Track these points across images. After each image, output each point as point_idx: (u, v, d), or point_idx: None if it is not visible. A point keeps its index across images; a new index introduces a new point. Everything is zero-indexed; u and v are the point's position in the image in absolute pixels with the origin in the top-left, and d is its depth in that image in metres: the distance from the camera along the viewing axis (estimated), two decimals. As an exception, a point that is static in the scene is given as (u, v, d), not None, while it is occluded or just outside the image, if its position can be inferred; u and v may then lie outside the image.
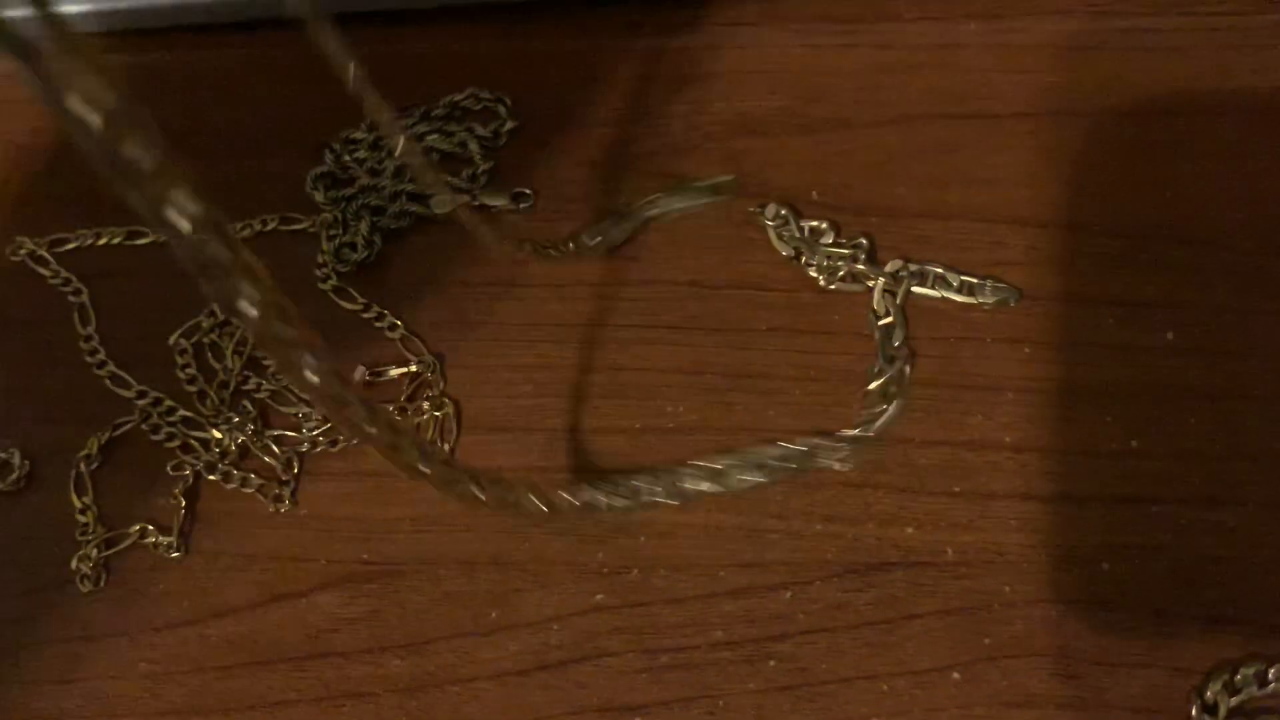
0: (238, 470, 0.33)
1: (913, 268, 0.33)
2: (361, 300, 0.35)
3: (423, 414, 0.33)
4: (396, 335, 0.34)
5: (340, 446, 0.33)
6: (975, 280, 0.32)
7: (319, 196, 0.37)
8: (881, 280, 0.33)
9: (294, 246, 0.37)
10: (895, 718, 0.27)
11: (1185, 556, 0.29)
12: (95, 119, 0.13)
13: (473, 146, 0.37)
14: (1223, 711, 0.26)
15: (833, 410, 0.32)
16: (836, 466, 0.30)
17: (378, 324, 0.35)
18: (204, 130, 0.40)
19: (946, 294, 0.32)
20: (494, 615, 0.30)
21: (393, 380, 0.34)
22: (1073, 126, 0.35)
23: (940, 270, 0.33)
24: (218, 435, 0.33)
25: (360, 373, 0.34)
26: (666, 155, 0.36)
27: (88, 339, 0.36)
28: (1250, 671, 0.27)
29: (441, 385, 0.33)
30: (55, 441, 0.34)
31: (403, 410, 0.33)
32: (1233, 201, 0.33)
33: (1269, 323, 0.31)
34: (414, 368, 0.34)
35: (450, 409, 0.33)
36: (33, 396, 0.35)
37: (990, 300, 0.32)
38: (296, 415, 0.34)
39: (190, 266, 0.15)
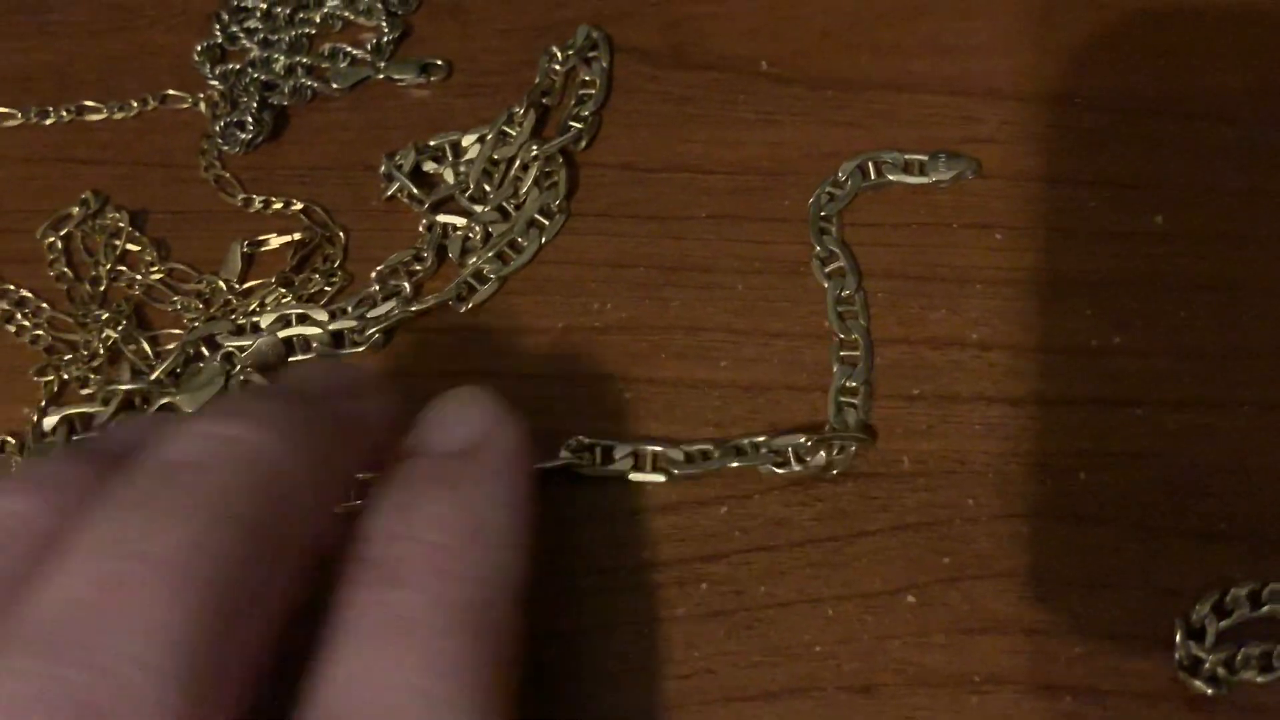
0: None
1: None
2: (244, 193, 0.31)
3: (312, 285, 0.29)
4: (292, 212, 0.31)
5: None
6: (924, 158, 0.29)
7: (206, 72, 0.33)
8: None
9: (177, 129, 0.33)
10: (842, 645, 0.24)
11: (1173, 465, 0.25)
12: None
13: (379, 12, 0.33)
14: (1210, 636, 0.23)
15: (777, 306, 0.28)
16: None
17: (266, 212, 0.31)
18: (80, 0, 0.35)
19: (895, 178, 0.29)
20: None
21: (274, 250, 0.30)
22: (1055, -12, 0.31)
23: (884, 155, 0.29)
24: (86, 337, 0.29)
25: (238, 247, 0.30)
26: (600, 21, 0.32)
27: (-56, 231, 0.32)
28: (1243, 592, 0.24)
29: (340, 259, 0.30)
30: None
31: (288, 282, 0.30)
32: (1231, 71, 0.29)
33: (1270, 205, 0.28)
34: (298, 236, 0.30)
35: (342, 280, 0.30)
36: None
37: (946, 176, 0.28)
38: (174, 311, 0.30)
39: None
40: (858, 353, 0.27)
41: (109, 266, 0.31)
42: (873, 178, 0.29)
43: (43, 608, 0.17)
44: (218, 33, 0.34)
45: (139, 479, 0.18)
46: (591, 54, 0.32)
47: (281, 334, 0.28)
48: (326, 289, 0.29)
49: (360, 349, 0.28)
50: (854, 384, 0.27)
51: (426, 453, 0.22)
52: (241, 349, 0.28)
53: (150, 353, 0.29)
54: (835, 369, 0.27)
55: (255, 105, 0.32)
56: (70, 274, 0.31)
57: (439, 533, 0.20)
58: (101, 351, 0.29)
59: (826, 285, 0.27)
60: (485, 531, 0.20)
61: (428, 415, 0.23)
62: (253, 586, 0.18)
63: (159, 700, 0.16)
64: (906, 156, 0.29)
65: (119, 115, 0.33)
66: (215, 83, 0.33)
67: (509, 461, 0.22)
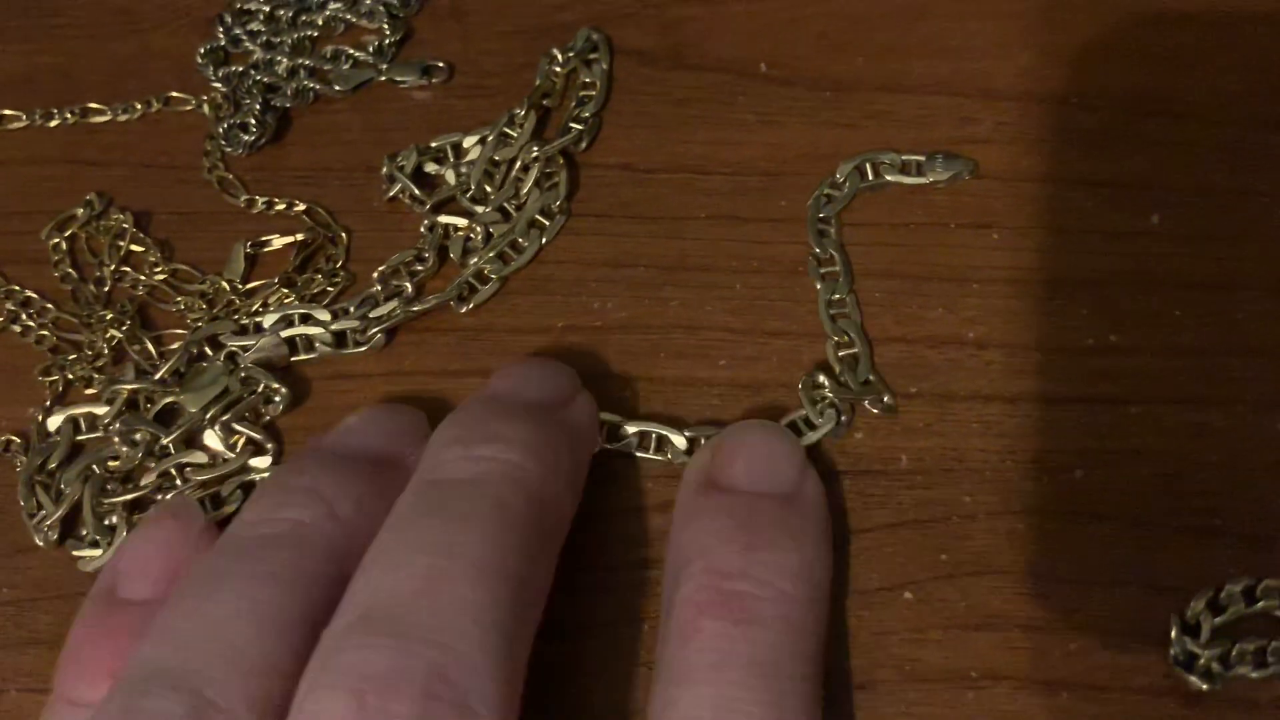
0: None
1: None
2: (247, 194, 0.31)
3: (314, 286, 0.30)
4: (294, 213, 0.31)
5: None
6: (921, 158, 0.29)
7: (210, 74, 0.33)
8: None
9: (181, 131, 0.33)
10: (839, 641, 0.24)
11: (1168, 462, 0.25)
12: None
13: (381, 15, 0.33)
14: (1205, 632, 0.23)
15: (776, 305, 0.28)
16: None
17: (269, 213, 0.31)
18: (86, 3, 0.36)
19: (892, 178, 0.29)
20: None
21: (277, 251, 0.31)
22: (1052, -10, 0.31)
23: (882, 156, 0.29)
24: (90, 338, 0.30)
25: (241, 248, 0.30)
26: (601, 23, 0.32)
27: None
28: (1237, 588, 0.24)
29: (342, 259, 0.30)
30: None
31: (291, 282, 0.30)
32: (1226, 72, 0.30)
33: (1265, 205, 0.28)
34: (300, 236, 0.30)
35: (345, 281, 0.30)
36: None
37: (944, 177, 0.29)
38: (178, 311, 0.30)
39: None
40: (856, 350, 0.27)
41: (113, 267, 0.31)
42: (870, 178, 0.29)
43: (381, 597, 0.20)
44: (221, 35, 0.34)
45: (429, 493, 0.22)
46: (592, 56, 0.32)
47: (284, 334, 0.29)
48: (329, 289, 0.30)
49: (362, 349, 0.29)
50: (868, 376, 0.27)
51: (747, 490, 0.23)
52: (245, 348, 0.29)
53: (154, 353, 0.29)
54: (838, 369, 0.27)
55: (258, 107, 0.32)
56: (75, 275, 0.31)
57: (788, 583, 0.21)
58: (106, 351, 0.30)
59: (819, 287, 0.28)
60: (820, 590, 0.22)
61: (739, 448, 0.24)
62: (534, 579, 0.21)
63: (491, 669, 0.19)
64: (904, 157, 0.29)
65: (123, 117, 0.33)
66: (218, 85, 0.33)
67: (825, 515, 0.24)
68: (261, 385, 0.28)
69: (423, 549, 0.20)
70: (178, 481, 0.27)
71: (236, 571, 0.21)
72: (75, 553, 0.27)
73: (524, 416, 0.23)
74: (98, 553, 0.27)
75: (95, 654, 0.22)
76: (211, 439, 0.28)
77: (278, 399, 0.28)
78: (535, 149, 0.30)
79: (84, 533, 0.27)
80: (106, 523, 0.27)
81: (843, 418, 0.26)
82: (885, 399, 0.26)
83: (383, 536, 0.21)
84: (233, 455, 0.27)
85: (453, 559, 0.20)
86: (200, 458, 0.28)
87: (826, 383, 0.26)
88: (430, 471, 0.22)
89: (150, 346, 0.29)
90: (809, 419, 0.26)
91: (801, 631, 0.21)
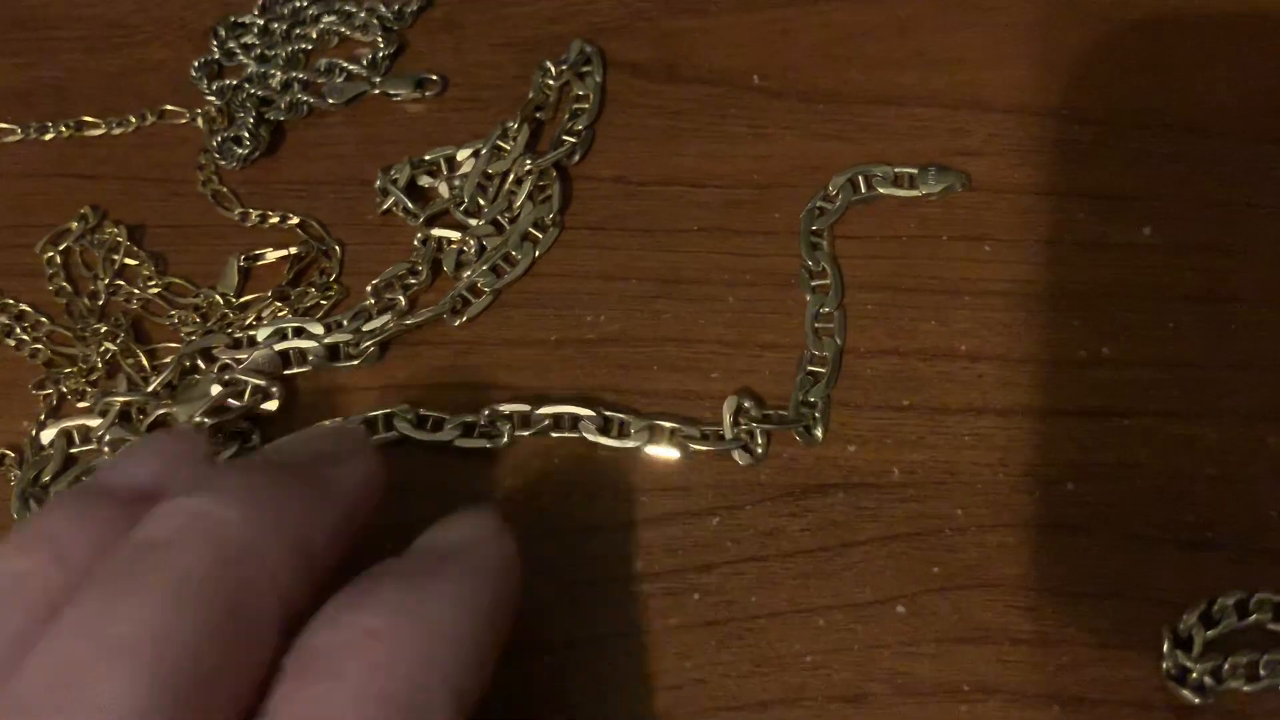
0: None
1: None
2: (240, 208, 0.31)
3: (308, 299, 0.30)
4: (288, 226, 0.31)
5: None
6: (914, 171, 0.29)
7: (204, 87, 0.33)
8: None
9: (175, 144, 0.33)
10: (832, 654, 0.24)
11: (1161, 475, 0.25)
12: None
13: (375, 28, 0.33)
14: (1198, 645, 0.23)
15: (768, 318, 0.28)
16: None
17: (263, 226, 0.31)
18: (80, 17, 0.36)
19: (885, 191, 0.29)
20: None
21: (270, 264, 0.31)
22: (1043, 2, 0.31)
23: (874, 169, 0.29)
24: (84, 351, 0.30)
25: (234, 261, 0.30)
26: (594, 36, 0.32)
27: (-58, 245, 0.32)
28: (1230, 602, 0.24)
29: (335, 272, 0.30)
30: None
31: (284, 296, 0.30)
32: (1218, 84, 0.30)
33: (1257, 217, 0.28)
34: (294, 250, 0.30)
35: (338, 294, 0.30)
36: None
37: (936, 189, 0.29)
38: (171, 324, 0.30)
39: None
40: (824, 370, 0.27)
41: (107, 281, 0.31)
42: (863, 191, 0.29)
43: (23, 683, 0.18)
44: (215, 49, 0.34)
45: (116, 558, 0.19)
46: (585, 69, 0.32)
47: (278, 347, 0.29)
48: (322, 302, 0.30)
49: (356, 362, 0.29)
50: (814, 399, 0.27)
51: (409, 552, 0.21)
52: (238, 361, 0.29)
53: (148, 366, 0.29)
54: (798, 379, 0.27)
55: (252, 120, 0.32)
56: (69, 288, 0.31)
57: (376, 617, 0.19)
58: (100, 365, 0.29)
59: (808, 299, 0.28)
60: (429, 623, 0.19)
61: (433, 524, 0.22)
62: (215, 661, 0.18)
63: None
64: (896, 170, 0.29)
65: (117, 131, 0.33)
66: (212, 98, 0.33)
67: (484, 568, 0.21)
68: (250, 387, 0.28)
69: (75, 630, 0.18)
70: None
71: None
72: None
73: (262, 470, 0.21)
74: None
75: (51, 520, 0.21)
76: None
77: (275, 390, 0.28)
78: (528, 162, 0.30)
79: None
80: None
81: (758, 449, 0.26)
82: (816, 432, 0.26)
83: (64, 609, 0.19)
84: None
85: (97, 645, 0.18)
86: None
87: (750, 408, 0.26)
88: (137, 529, 0.20)
89: (144, 359, 0.29)
90: (720, 434, 0.26)
91: (391, 672, 0.19)
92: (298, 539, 0.20)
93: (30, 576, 0.19)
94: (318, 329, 0.29)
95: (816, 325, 0.28)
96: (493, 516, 0.22)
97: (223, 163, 0.32)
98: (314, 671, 0.18)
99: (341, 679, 0.18)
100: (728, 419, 0.26)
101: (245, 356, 0.29)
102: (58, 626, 0.18)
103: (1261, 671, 0.23)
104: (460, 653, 0.19)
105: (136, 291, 0.31)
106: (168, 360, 0.29)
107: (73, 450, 0.29)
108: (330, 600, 0.20)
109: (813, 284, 0.28)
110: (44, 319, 0.31)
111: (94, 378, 0.29)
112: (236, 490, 0.20)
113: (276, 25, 0.34)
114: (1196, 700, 0.23)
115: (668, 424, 0.27)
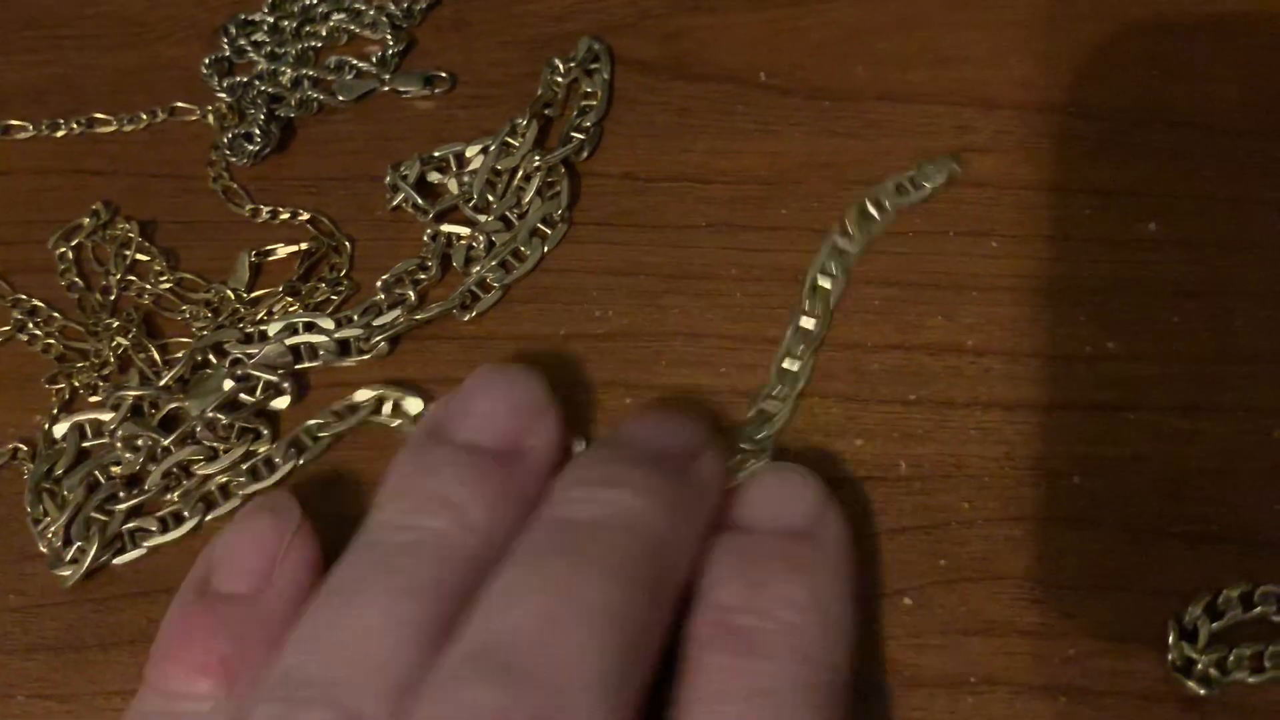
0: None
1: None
2: (251, 204, 0.32)
3: (318, 295, 0.30)
4: (299, 222, 0.31)
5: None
6: (913, 172, 0.29)
7: (214, 84, 0.34)
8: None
9: (186, 141, 0.33)
10: (839, 648, 0.25)
11: (1166, 469, 0.26)
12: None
13: (384, 25, 0.33)
14: (1203, 638, 0.24)
15: (776, 313, 0.28)
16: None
17: (274, 222, 0.31)
18: (92, 14, 0.36)
19: (895, 203, 0.29)
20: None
21: (281, 260, 0.31)
22: (1049, -1, 0.31)
23: (878, 192, 0.29)
24: (96, 346, 0.30)
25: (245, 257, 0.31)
26: (602, 34, 0.33)
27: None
28: (1235, 594, 0.24)
29: (346, 268, 0.30)
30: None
31: (295, 291, 0.30)
32: (1223, 81, 0.30)
33: (1262, 213, 0.28)
34: (304, 245, 0.30)
35: (348, 289, 0.30)
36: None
37: (940, 180, 0.29)
38: (183, 319, 0.30)
39: None
40: (797, 370, 0.27)
41: (119, 276, 0.31)
42: (877, 215, 0.29)
43: (497, 635, 0.20)
44: (225, 46, 0.34)
45: (554, 532, 0.22)
46: (593, 66, 0.32)
47: (288, 342, 0.29)
48: (333, 298, 0.30)
49: (366, 357, 0.29)
50: (778, 399, 0.27)
51: (759, 528, 0.24)
52: (249, 356, 0.29)
53: (159, 360, 0.30)
54: (771, 373, 0.27)
55: (262, 117, 0.32)
56: (81, 283, 0.31)
57: (795, 614, 0.21)
58: (112, 359, 0.30)
59: (805, 306, 0.28)
60: (833, 620, 0.22)
61: (754, 489, 0.24)
62: (648, 630, 0.21)
63: (596, 718, 0.19)
64: (896, 180, 0.29)
65: (129, 127, 0.34)
66: (223, 95, 0.33)
67: (843, 552, 0.24)
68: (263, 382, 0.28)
69: (543, 590, 0.20)
70: (183, 481, 0.28)
71: (376, 582, 0.21)
72: (55, 571, 0.27)
73: (650, 464, 0.23)
74: (67, 573, 0.27)
75: (189, 646, 0.22)
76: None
77: (286, 385, 0.28)
78: (537, 158, 0.30)
79: (76, 543, 0.27)
80: (107, 531, 0.27)
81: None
82: (762, 459, 0.26)
83: (507, 571, 0.21)
84: (231, 444, 0.28)
85: (570, 603, 0.20)
86: (198, 453, 0.28)
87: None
88: (556, 508, 0.22)
89: (156, 354, 0.30)
90: None
91: (817, 664, 0.21)
92: (693, 537, 0.23)
93: (447, 538, 0.22)
94: (328, 324, 0.29)
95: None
96: (819, 482, 0.24)
97: (233, 159, 0.32)
98: (748, 652, 0.21)
99: (776, 662, 0.21)
100: None
101: (256, 351, 0.29)
102: (519, 584, 0.21)
103: (1266, 663, 0.23)
104: (850, 644, 0.22)
105: (148, 287, 0.31)
106: (179, 355, 0.29)
107: (85, 444, 0.29)
108: (728, 583, 0.22)
109: (806, 299, 0.28)
110: (56, 314, 0.31)
111: (106, 372, 0.30)
112: (644, 484, 0.22)
113: (286, 23, 0.34)
114: (1202, 692, 0.23)
115: None
